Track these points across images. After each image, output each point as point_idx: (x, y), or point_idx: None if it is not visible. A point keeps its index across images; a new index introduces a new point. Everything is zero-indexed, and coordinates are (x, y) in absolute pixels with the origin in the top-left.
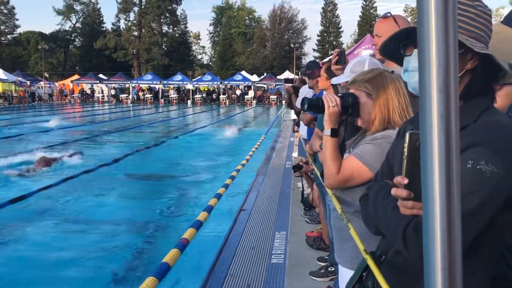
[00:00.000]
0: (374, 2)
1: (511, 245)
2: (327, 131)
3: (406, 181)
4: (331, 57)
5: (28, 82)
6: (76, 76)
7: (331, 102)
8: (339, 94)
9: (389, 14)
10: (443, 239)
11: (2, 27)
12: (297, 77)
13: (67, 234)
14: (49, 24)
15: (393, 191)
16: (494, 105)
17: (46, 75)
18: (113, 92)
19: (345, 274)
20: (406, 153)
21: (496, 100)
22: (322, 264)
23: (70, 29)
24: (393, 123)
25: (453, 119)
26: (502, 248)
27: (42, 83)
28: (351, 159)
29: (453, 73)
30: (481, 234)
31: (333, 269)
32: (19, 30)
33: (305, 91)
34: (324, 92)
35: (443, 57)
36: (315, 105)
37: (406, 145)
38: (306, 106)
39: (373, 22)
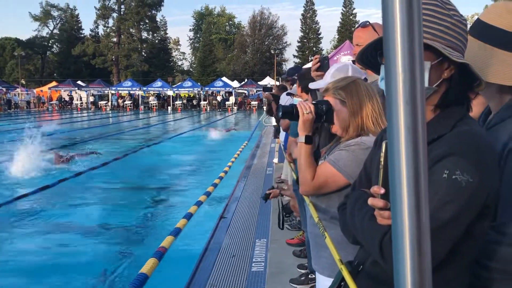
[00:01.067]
0: (354, 9)
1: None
2: (302, 138)
3: (382, 191)
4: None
5: (4, 89)
6: (54, 83)
7: (305, 109)
8: (313, 102)
9: (368, 23)
10: (412, 252)
11: None
12: (277, 83)
13: (41, 244)
14: (25, 30)
15: (370, 200)
16: (470, 114)
17: (23, 82)
18: (92, 99)
19: (323, 282)
20: (382, 163)
21: (472, 109)
22: (303, 271)
23: (48, 35)
24: (366, 130)
25: (420, 131)
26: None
27: (18, 90)
28: (326, 166)
29: (419, 85)
30: (457, 243)
31: (314, 276)
32: None
33: (286, 98)
34: (298, 99)
35: (409, 69)
36: (289, 112)
37: (382, 154)
38: (280, 113)
39: (353, 29)
